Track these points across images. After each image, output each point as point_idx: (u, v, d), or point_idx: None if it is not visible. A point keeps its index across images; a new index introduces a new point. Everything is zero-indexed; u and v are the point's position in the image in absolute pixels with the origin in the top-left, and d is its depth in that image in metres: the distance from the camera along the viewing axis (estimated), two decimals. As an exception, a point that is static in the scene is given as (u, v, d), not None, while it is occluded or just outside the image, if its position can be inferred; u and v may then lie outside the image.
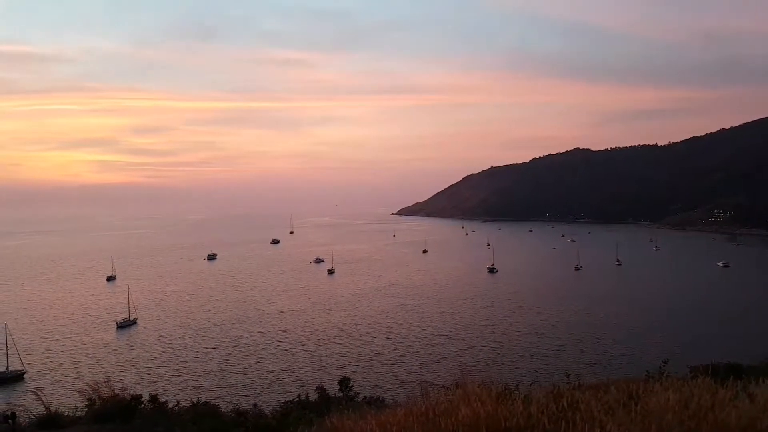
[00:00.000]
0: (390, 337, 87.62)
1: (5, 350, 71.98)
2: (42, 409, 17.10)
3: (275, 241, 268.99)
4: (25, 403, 19.21)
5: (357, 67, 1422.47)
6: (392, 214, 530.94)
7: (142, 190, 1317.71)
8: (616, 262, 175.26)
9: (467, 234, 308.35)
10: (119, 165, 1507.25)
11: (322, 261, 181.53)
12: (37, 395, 18.80)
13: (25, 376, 70.13)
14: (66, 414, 17.35)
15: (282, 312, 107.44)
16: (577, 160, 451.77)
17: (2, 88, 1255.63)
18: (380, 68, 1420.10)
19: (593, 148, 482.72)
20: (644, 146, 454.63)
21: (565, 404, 6.70)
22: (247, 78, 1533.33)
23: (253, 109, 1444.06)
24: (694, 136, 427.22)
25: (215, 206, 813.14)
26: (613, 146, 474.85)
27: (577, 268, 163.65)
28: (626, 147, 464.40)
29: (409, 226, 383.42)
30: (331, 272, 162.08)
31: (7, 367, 71.06)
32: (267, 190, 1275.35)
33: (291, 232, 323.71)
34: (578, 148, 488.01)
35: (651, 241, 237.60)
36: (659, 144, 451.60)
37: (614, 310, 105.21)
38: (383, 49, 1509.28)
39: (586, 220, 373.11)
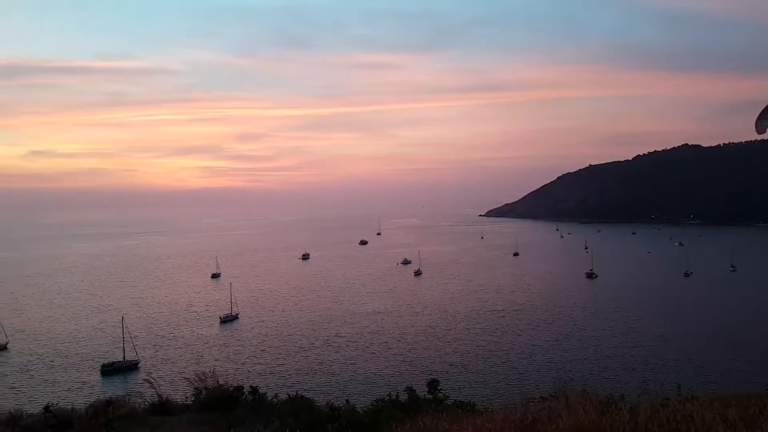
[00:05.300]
0: (481, 344, 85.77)
1: (122, 341, 79.07)
2: (155, 396, 18.51)
3: (363, 242, 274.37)
4: (141, 390, 20.90)
5: (445, 66, 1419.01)
6: (480, 215, 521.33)
7: (242, 194, 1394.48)
8: (731, 268, 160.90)
9: (562, 236, 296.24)
10: (222, 170, 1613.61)
11: (410, 262, 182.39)
12: (151, 383, 20.45)
13: (139, 365, 76.57)
14: (176, 402, 18.68)
15: (371, 313, 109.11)
16: (686, 157, 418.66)
17: (117, 100, 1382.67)
18: (468, 66, 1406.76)
19: (704, 144, 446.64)
20: (763, 141, 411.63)
21: (678, 416, 6.19)
22: (337, 83, 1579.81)
23: (343, 114, 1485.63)
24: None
25: (307, 208, 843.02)
26: (727, 141, 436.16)
27: (686, 274, 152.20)
28: (742, 142, 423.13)
29: (499, 227, 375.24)
30: (418, 274, 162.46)
31: (124, 357, 77.96)
32: (355, 192, 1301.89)
33: (378, 234, 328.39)
34: (687, 144, 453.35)
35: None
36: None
37: (730, 321, 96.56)
38: (471, 47, 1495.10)
39: (696, 221, 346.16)
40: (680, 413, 6.28)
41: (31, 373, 75.07)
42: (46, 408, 16.02)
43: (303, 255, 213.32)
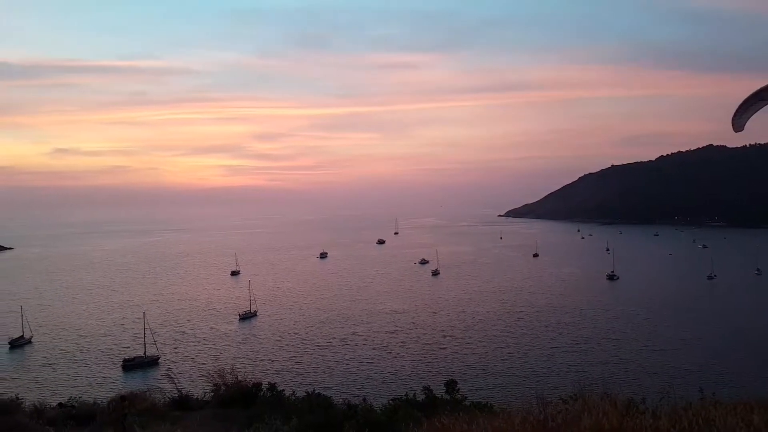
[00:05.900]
0: (500, 345, 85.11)
1: (143, 337, 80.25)
2: (175, 391, 18.76)
3: (381, 242, 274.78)
4: (161, 385, 21.18)
5: (462, 66, 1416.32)
6: (499, 215, 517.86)
7: (263, 193, 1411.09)
8: (756, 272, 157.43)
9: (583, 238, 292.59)
10: (243, 169, 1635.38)
11: (427, 262, 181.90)
12: (171, 379, 20.74)
13: (159, 360, 77.62)
14: (195, 397, 18.92)
15: (388, 312, 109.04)
16: (711, 158, 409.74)
17: (139, 99, 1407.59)
18: (486, 66, 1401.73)
19: (729, 145, 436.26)
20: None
21: (700, 421, 6.08)
22: (355, 83, 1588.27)
23: (361, 114, 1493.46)
24: None
25: (325, 207, 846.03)
26: (753, 142, 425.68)
27: (710, 277, 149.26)
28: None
29: (518, 228, 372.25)
30: (435, 274, 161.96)
31: (145, 352, 79.10)
32: (372, 192, 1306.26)
33: (396, 233, 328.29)
34: (712, 145, 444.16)
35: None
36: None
37: (755, 325, 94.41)
38: (489, 47, 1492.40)
39: (721, 223, 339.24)
40: (702, 417, 6.17)
41: (54, 367, 76.64)
42: (60, 405, 16.36)
43: (321, 254, 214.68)
